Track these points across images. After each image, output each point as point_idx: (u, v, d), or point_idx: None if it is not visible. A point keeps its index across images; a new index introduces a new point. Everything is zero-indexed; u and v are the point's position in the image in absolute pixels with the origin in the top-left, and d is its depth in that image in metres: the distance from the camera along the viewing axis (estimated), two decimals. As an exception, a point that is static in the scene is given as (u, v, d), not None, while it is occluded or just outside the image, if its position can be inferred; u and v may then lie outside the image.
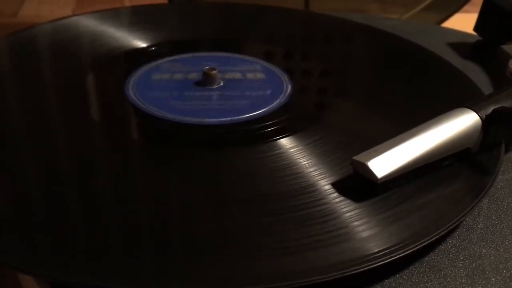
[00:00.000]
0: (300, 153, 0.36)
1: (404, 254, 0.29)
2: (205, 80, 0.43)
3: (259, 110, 0.40)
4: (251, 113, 0.40)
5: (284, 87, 0.43)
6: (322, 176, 0.34)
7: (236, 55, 0.48)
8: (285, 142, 0.37)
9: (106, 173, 0.35)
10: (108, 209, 0.32)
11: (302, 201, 0.32)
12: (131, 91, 0.42)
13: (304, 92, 0.44)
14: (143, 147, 0.38)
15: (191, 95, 0.42)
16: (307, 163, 0.35)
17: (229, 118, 0.39)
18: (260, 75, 0.45)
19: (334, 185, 0.33)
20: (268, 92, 0.43)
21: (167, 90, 0.42)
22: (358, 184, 0.33)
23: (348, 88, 0.45)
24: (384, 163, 0.32)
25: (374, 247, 0.29)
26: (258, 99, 0.42)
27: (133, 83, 0.43)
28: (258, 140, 0.37)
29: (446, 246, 0.32)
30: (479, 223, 0.34)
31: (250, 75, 0.45)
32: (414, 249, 0.29)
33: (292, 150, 0.36)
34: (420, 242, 0.30)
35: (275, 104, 0.41)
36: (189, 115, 0.39)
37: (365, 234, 0.30)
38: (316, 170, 0.35)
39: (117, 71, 0.45)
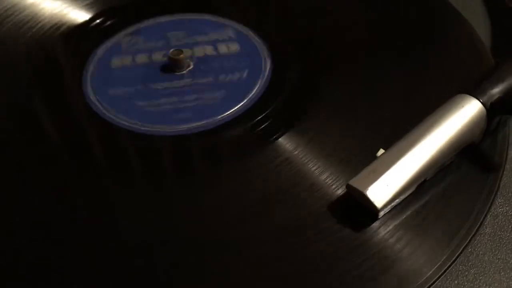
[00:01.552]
0: (297, 159, 0.33)
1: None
2: (172, 65, 0.38)
3: (238, 103, 0.36)
4: (228, 109, 0.36)
5: (263, 62, 0.39)
6: (332, 179, 0.32)
7: (204, 17, 0.42)
8: (281, 144, 0.33)
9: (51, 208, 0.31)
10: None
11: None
12: (90, 90, 0.37)
13: (288, 68, 0.38)
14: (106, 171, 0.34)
15: (158, 88, 0.37)
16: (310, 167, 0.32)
17: (205, 122, 0.35)
18: (234, 47, 0.40)
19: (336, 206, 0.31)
20: (246, 72, 0.38)
21: (130, 83, 0.38)
22: (356, 209, 0.30)
23: (340, 56, 0.39)
24: (383, 188, 0.29)
25: (423, 266, 0.28)
26: (235, 86, 0.37)
27: (91, 76, 0.38)
28: (242, 151, 0.34)
29: (455, 265, 0.30)
30: (486, 228, 0.32)
31: (222, 48, 0.40)
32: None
33: (288, 156, 0.33)
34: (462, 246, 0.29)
35: (255, 91, 0.37)
36: (158, 121, 0.35)
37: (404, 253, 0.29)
38: (318, 168, 0.32)
39: (68, 61, 0.40)
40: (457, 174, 0.32)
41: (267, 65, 0.38)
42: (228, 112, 0.35)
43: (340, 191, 0.31)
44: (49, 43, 0.40)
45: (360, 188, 0.29)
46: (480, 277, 0.30)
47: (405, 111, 0.35)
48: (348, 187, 0.30)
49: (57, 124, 0.36)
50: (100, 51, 0.40)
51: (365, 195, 0.29)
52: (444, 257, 0.29)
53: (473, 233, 0.30)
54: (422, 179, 0.30)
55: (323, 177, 0.32)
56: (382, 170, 0.30)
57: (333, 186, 0.31)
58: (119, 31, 0.41)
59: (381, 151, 0.32)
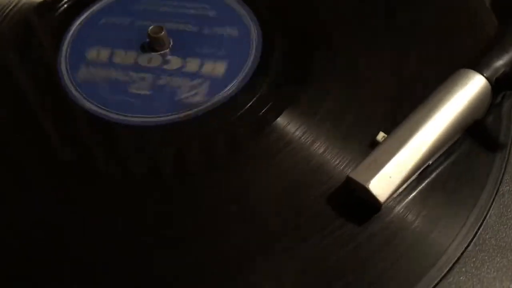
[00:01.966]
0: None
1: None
2: (152, 43, 0.35)
3: (228, 84, 0.33)
4: (217, 92, 0.33)
5: (251, 35, 0.36)
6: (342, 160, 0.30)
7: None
8: (279, 125, 0.31)
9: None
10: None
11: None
12: (66, 76, 0.35)
13: (279, 38, 0.35)
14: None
15: (138, 71, 0.34)
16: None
17: (190, 110, 0.32)
18: (217, 16, 0.37)
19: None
20: (232, 47, 0.35)
21: (109, 69, 0.35)
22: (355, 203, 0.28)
23: (333, 28, 0.36)
24: (386, 180, 0.28)
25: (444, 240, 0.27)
26: (221, 63, 0.34)
27: (66, 60, 0.35)
28: (239, 139, 0.31)
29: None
30: (492, 208, 0.30)
31: (201, 18, 0.37)
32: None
33: (290, 137, 0.31)
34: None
35: (244, 69, 0.34)
36: (138, 111, 0.33)
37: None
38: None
39: (40, 43, 0.37)
40: (462, 152, 0.30)
41: (255, 37, 0.35)
42: (219, 95, 0.33)
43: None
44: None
45: (361, 181, 0.27)
46: (487, 263, 0.29)
47: (408, 80, 0.33)
48: (348, 179, 0.28)
49: (34, 116, 0.33)
50: (72, 31, 0.37)
51: (367, 189, 0.27)
52: (463, 235, 0.28)
53: (487, 210, 0.29)
54: (426, 165, 0.29)
55: (332, 157, 0.30)
56: (384, 160, 0.28)
57: (342, 166, 0.30)
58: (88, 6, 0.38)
59: (381, 134, 0.30)
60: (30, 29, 0.37)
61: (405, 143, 0.28)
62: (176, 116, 0.32)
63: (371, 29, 0.35)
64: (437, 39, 0.34)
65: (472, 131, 0.30)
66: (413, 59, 0.34)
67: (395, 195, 0.28)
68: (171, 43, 0.35)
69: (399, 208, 0.28)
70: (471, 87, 0.30)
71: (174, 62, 0.35)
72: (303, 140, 0.31)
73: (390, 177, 0.27)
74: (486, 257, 0.29)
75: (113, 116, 0.32)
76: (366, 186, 0.27)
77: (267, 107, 0.32)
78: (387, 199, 0.27)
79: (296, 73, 0.34)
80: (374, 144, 0.30)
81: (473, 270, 0.29)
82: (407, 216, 0.28)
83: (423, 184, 0.29)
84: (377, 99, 0.32)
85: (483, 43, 0.32)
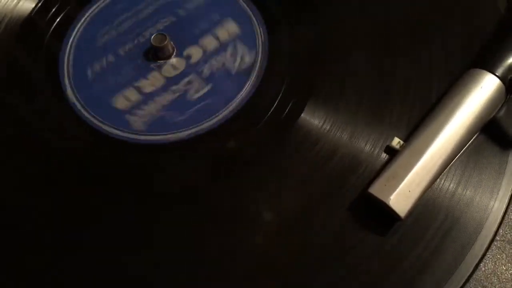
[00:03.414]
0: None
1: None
2: (156, 51, 0.35)
3: (240, 90, 0.33)
4: (230, 101, 0.33)
5: (256, 32, 0.35)
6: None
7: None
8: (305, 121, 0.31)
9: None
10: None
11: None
12: (70, 91, 0.34)
13: (287, 35, 0.35)
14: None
15: (144, 82, 0.34)
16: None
17: (205, 123, 0.32)
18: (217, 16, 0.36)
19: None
20: (238, 47, 0.34)
21: (115, 77, 0.34)
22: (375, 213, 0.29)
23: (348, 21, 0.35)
24: (406, 194, 0.28)
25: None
26: (228, 68, 0.34)
27: (70, 72, 0.35)
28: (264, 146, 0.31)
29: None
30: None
31: (204, 20, 0.36)
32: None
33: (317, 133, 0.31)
34: None
35: (255, 72, 0.33)
36: (151, 128, 0.32)
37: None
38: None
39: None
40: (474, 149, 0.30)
41: (261, 35, 0.35)
42: (232, 104, 0.33)
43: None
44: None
45: (381, 197, 0.28)
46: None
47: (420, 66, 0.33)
48: (369, 195, 0.28)
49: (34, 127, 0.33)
50: (70, 42, 0.36)
51: (387, 205, 0.28)
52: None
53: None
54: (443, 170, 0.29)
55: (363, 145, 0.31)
56: (402, 174, 0.28)
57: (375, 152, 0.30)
58: (82, 13, 0.37)
59: (396, 140, 0.30)
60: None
61: (422, 155, 0.28)
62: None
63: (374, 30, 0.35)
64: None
65: (484, 128, 0.31)
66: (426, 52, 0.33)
67: (416, 206, 0.28)
68: (175, 51, 0.35)
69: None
70: (485, 90, 0.29)
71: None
72: (331, 132, 0.31)
73: (410, 191, 0.28)
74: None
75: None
76: (387, 202, 0.28)
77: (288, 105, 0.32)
78: (408, 213, 0.28)
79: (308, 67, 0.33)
80: (390, 150, 0.30)
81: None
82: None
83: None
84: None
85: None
